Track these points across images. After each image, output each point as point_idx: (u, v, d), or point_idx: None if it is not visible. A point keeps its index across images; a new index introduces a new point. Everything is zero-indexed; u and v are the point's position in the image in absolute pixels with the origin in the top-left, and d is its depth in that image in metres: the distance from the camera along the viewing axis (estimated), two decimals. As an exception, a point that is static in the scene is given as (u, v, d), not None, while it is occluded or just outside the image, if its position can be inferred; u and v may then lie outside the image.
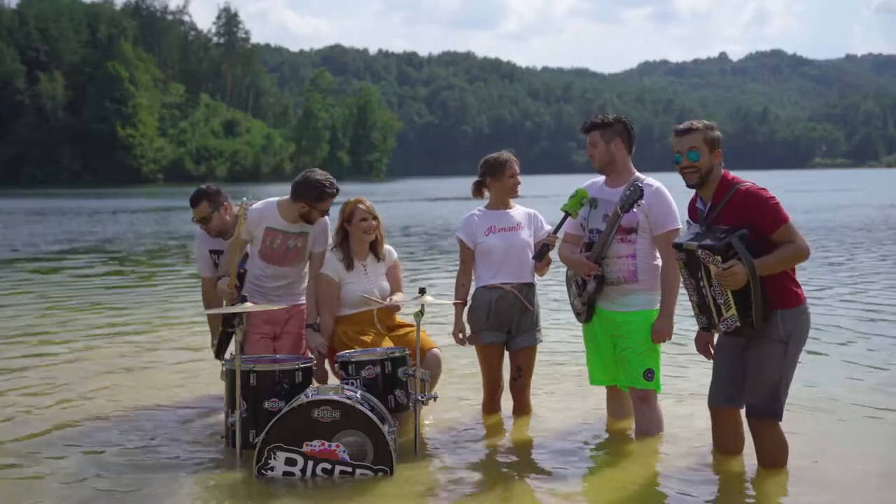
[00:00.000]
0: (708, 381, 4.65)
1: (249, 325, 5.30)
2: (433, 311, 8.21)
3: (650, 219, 4.86)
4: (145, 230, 25.07)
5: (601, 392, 5.47)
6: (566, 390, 6.26)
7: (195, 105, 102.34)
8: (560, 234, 5.12)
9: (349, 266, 5.44)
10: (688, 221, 4.56)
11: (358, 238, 5.47)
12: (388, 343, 5.30)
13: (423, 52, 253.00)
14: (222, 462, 4.75)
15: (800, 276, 4.41)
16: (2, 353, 7.77)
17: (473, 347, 5.46)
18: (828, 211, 29.95)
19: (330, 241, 5.60)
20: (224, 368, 4.88)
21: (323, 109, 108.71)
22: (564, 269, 5.24)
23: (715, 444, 4.69)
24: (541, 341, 5.44)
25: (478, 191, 5.50)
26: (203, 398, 6.15)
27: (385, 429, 4.43)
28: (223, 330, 5.59)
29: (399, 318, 5.61)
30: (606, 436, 5.21)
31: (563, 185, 23.20)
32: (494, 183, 5.38)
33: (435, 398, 4.89)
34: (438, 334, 6.67)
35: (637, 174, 4.99)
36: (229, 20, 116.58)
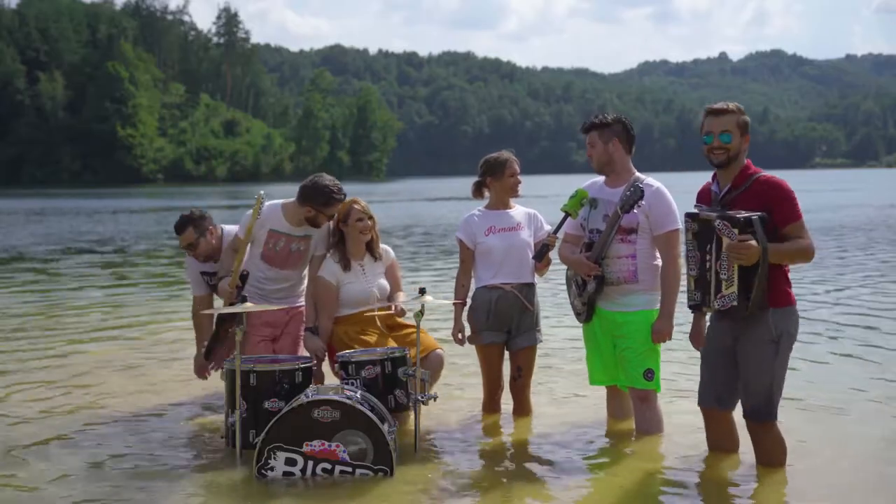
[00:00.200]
0: (708, 381, 4.64)
1: (249, 327, 5.29)
2: (433, 311, 8.21)
3: (650, 219, 4.86)
4: (145, 230, 25.06)
5: (601, 392, 5.47)
6: (566, 390, 6.26)
7: (195, 105, 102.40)
8: (560, 235, 5.13)
9: (346, 267, 5.44)
10: (696, 206, 4.51)
11: (354, 238, 5.47)
12: (391, 343, 5.30)
13: (423, 52, 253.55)
14: (222, 462, 4.75)
15: (797, 274, 4.41)
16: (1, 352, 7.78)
17: (473, 347, 5.47)
18: (828, 211, 29.93)
19: None
20: (224, 368, 4.88)
21: (323, 109, 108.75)
22: (565, 269, 5.24)
23: (710, 444, 4.71)
24: (541, 341, 5.45)
25: (478, 191, 5.50)
26: (203, 398, 6.15)
27: (385, 429, 4.43)
28: (216, 331, 5.57)
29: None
30: (606, 436, 5.21)
31: (563, 185, 23.22)
32: (494, 183, 5.39)
33: (435, 398, 4.89)
34: (439, 332, 6.66)
35: (637, 174, 4.99)
36: (229, 20, 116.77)
